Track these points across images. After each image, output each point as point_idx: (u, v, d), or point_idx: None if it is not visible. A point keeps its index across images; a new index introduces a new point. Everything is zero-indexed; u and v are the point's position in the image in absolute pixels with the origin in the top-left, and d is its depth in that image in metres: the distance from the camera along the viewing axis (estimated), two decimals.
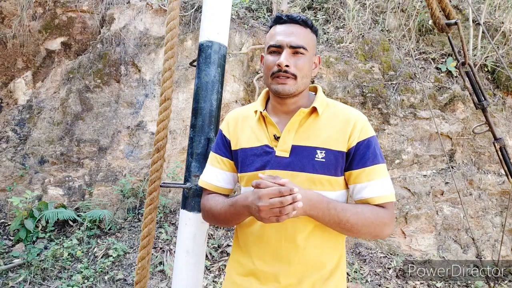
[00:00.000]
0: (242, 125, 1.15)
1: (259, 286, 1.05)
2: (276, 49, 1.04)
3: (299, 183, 1.01)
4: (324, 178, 1.02)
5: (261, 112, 1.11)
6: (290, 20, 1.05)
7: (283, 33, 1.03)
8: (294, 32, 1.03)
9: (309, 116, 1.08)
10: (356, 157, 1.03)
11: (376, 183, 1.02)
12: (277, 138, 1.06)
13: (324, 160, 1.02)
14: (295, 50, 1.02)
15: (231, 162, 1.17)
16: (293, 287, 1.02)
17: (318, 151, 1.02)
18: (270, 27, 1.10)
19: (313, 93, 1.18)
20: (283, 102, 1.09)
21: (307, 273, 1.02)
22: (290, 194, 0.85)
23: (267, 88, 1.17)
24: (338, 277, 1.07)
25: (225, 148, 1.17)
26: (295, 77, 1.02)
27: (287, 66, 1.00)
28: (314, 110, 1.07)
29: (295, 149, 1.04)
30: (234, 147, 1.15)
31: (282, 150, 1.04)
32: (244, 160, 1.10)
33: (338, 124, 1.06)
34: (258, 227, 1.06)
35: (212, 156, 1.20)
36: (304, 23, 1.06)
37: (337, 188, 1.05)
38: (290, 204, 0.85)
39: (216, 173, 1.17)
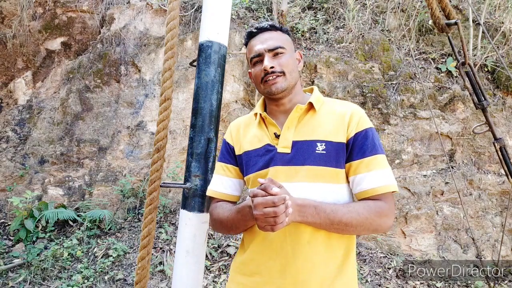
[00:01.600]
0: (244, 131, 1.19)
1: (263, 285, 1.04)
2: (258, 59, 1.11)
3: (301, 177, 1.03)
4: (326, 170, 1.03)
5: (260, 114, 1.15)
6: (260, 30, 1.13)
7: (258, 43, 1.11)
8: (267, 38, 1.11)
9: (307, 113, 1.12)
10: (355, 148, 1.05)
11: (375, 173, 1.02)
12: (277, 136, 1.09)
13: (324, 152, 1.04)
14: (274, 52, 1.09)
15: (236, 168, 1.20)
16: (299, 285, 1.00)
17: (318, 144, 1.05)
18: (246, 44, 1.18)
19: (310, 94, 1.21)
20: (279, 103, 1.13)
21: (314, 270, 1.01)
22: (283, 203, 0.86)
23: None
24: (348, 274, 1.04)
25: (229, 155, 1.21)
26: (283, 73, 1.08)
27: (272, 67, 1.07)
28: (311, 106, 1.11)
29: (295, 144, 1.06)
30: (238, 152, 1.18)
31: (283, 146, 1.07)
32: (248, 162, 1.13)
33: (335, 117, 1.09)
34: None
35: (218, 165, 1.23)
36: (273, 27, 1.14)
37: (340, 181, 1.05)
38: (284, 212, 0.86)
39: (222, 181, 1.19)
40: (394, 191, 1.03)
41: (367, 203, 1.01)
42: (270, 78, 1.07)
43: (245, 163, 1.14)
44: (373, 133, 1.07)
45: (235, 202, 1.21)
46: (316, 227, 0.99)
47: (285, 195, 0.87)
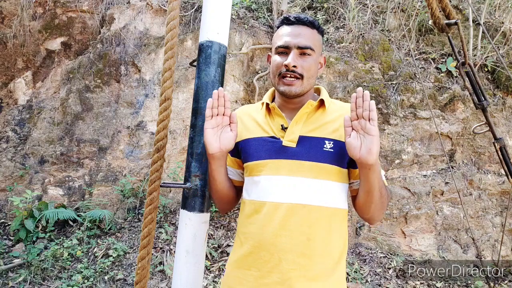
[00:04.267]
0: (247, 119, 1.18)
1: (260, 279, 1.03)
2: (284, 50, 1.07)
3: (305, 172, 1.03)
4: (331, 168, 1.03)
5: (268, 104, 1.13)
6: (298, 21, 1.08)
7: (290, 34, 1.06)
8: (301, 33, 1.06)
9: (317, 109, 1.11)
10: None
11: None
12: (284, 129, 1.08)
13: (332, 150, 1.04)
14: (302, 51, 1.05)
15: (232, 158, 1.22)
16: (295, 280, 1.00)
17: (327, 142, 1.05)
18: (278, 27, 1.13)
19: (316, 94, 1.21)
20: (289, 101, 1.12)
21: (312, 266, 1.01)
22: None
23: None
24: (340, 272, 1.07)
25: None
26: (301, 77, 1.05)
27: (294, 66, 1.03)
28: (322, 103, 1.11)
29: (302, 139, 1.05)
30: (238, 139, 1.16)
31: (289, 140, 1.06)
32: (247, 150, 1.12)
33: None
34: (260, 217, 1.06)
35: None
36: (311, 24, 1.08)
37: (340, 180, 1.06)
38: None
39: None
40: None
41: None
42: (288, 77, 1.05)
43: (244, 151, 1.13)
44: None
45: (235, 186, 1.23)
46: (368, 187, 0.99)
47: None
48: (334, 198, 1.05)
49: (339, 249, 1.07)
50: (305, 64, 1.05)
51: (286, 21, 1.10)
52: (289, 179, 1.03)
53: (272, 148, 1.07)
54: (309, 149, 1.04)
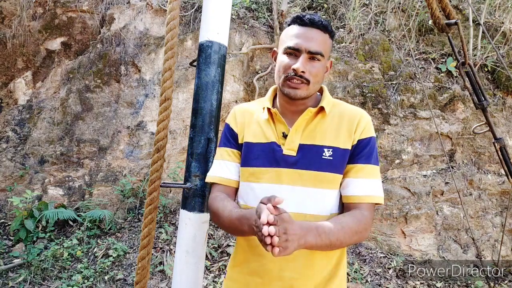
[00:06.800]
0: (250, 119, 1.16)
1: (262, 286, 1.05)
2: (293, 52, 1.03)
3: (305, 181, 1.02)
4: (330, 176, 1.03)
5: (269, 109, 1.11)
6: (311, 23, 1.03)
7: (302, 37, 1.02)
8: (314, 38, 1.02)
9: (316, 116, 1.09)
10: (353, 154, 1.05)
11: (362, 181, 1.02)
12: (285, 136, 1.07)
13: (331, 158, 1.03)
14: (312, 55, 1.02)
15: (240, 153, 1.15)
16: (297, 287, 1.02)
17: (326, 150, 1.04)
18: (288, 25, 1.09)
19: (319, 93, 1.19)
20: (291, 103, 1.10)
21: (312, 274, 1.03)
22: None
23: (274, 86, 1.18)
24: (340, 276, 1.08)
25: (233, 140, 1.16)
26: (308, 82, 1.03)
27: (303, 72, 1.01)
28: (322, 109, 1.09)
29: (302, 147, 1.05)
30: (240, 140, 1.15)
31: (290, 148, 1.05)
32: (248, 154, 1.10)
33: (344, 123, 1.08)
34: None
35: (221, 150, 1.17)
36: (324, 28, 1.04)
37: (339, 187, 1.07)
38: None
39: (226, 165, 1.14)
40: (377, 203, 1.02)
41: (354, 215, 0.99)
42: (295, 81, 1.02)
43: (244, 154, 1.11)
44: (373, 143, 1.08)
45: (236, 189, 1.16)
46: (314, 249, 0.94)
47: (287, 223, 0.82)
48: (334, 206, 1.05)
49: (338, 253, 1.08)
50: (313, 70, 1.02)
51: (299, 21, 1.05)
52: (290, 188, 1.03)
53: (273, 156, 1.06)
54: (309, 157, 1.03)
